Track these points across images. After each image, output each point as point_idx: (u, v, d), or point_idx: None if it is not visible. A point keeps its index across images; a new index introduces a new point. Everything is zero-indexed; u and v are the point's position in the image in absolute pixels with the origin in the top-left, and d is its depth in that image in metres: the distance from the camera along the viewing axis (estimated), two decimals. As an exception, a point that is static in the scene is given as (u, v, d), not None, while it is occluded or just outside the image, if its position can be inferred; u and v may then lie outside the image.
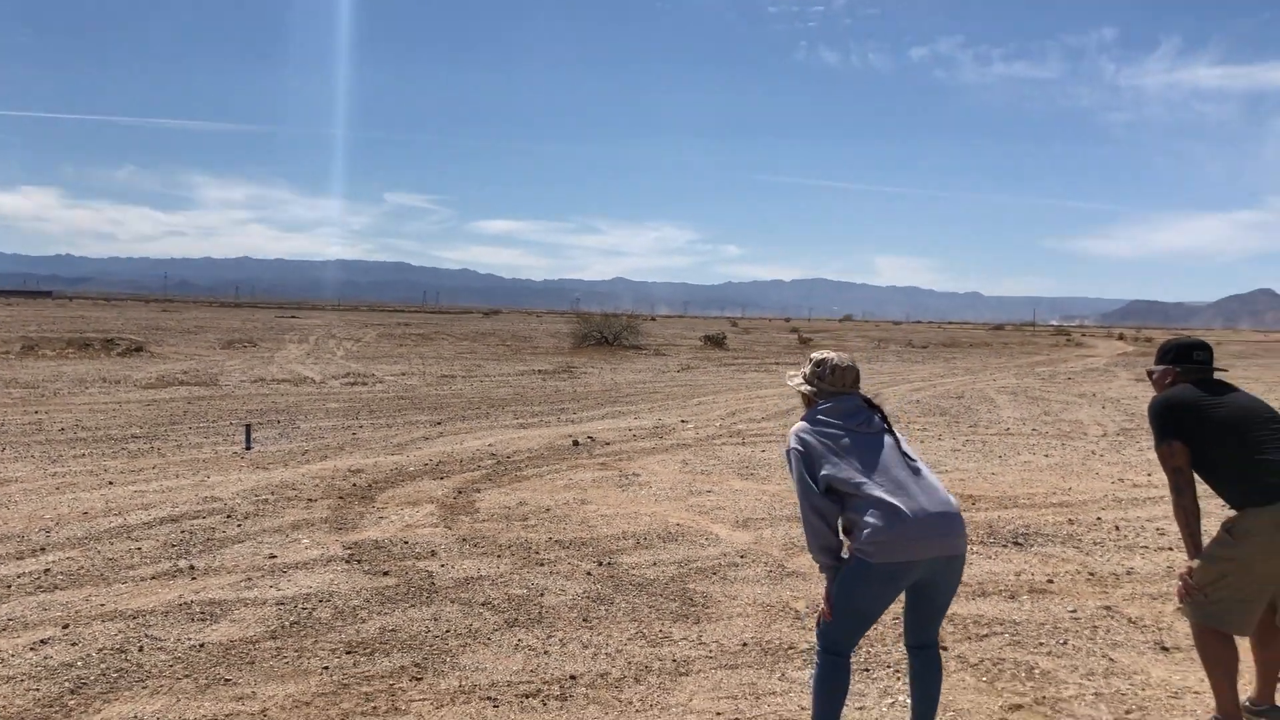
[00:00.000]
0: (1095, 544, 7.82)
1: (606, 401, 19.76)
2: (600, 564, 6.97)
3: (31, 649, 5.11)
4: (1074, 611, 6.07)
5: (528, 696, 4.65)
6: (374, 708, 4.49)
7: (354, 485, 9.75)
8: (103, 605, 5.86)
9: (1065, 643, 5.50)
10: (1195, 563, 4.26)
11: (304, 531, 7.78)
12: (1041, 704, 4.65)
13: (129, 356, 29.95)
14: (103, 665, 4.91)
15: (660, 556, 7.21)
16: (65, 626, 5.46)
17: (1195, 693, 4.73)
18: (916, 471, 3.79)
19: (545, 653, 5.24)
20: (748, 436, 14.24)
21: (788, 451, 3.87)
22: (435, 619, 5.74)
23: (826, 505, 3.72)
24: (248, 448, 12.14)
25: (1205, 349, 4.62)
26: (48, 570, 6.57)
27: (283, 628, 5.53)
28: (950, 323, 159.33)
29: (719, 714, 4.48)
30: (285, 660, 5.05)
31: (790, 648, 5.36)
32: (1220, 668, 4.28)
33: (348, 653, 5.18)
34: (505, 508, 8.81)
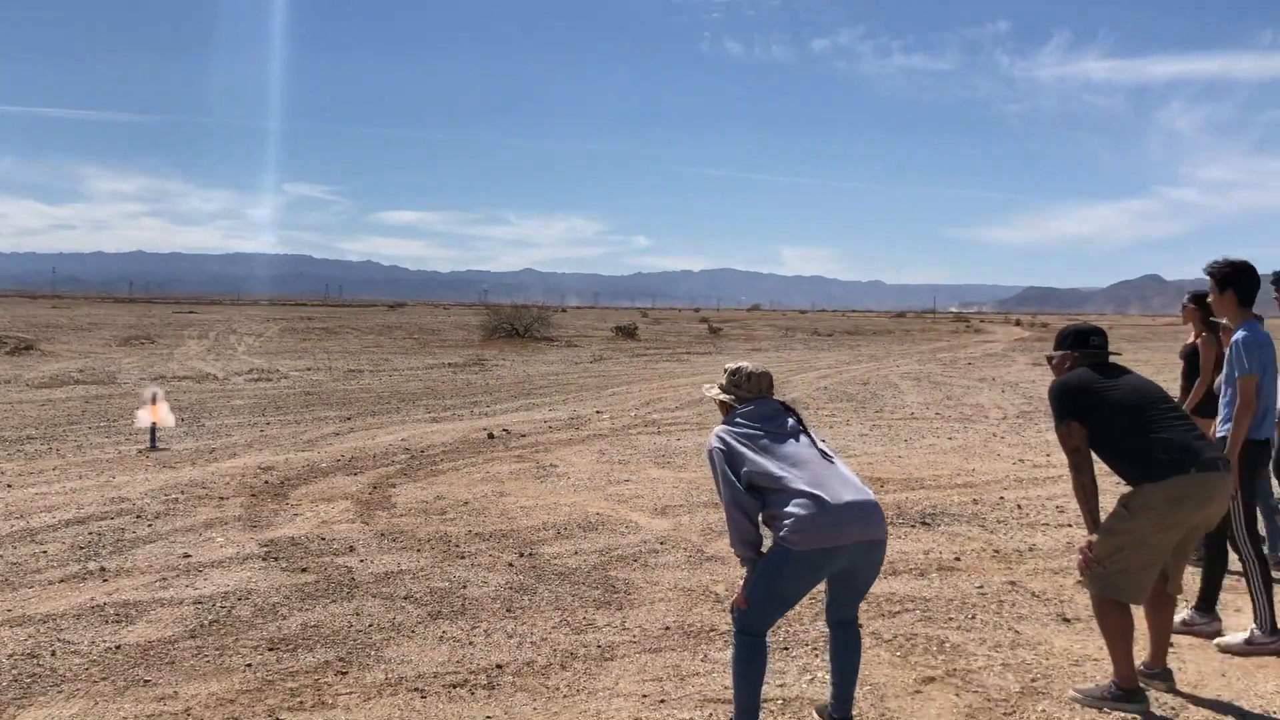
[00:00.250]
0: (999, 522, 8.13)
1: (520, 394, 19.73)
2: (521, 555, 7.01)
3: (-63, 657, 4.96)
4: (981, 587, 6.32)
5: (455, 687, 4.69)
6: (300, 703, 4.48)
7: (266, 483, 9.60)
8: (9, 611, 5.69)
9: (973, 617, 5.74)
10: (1094, 537, 4.50)
11: (217, 530, 7.65)
12: (953, 676, 4.86)
13: (18, 355, 28.80)
14: (14, 671, 4.79)
15: (581, 546, 7.29)
16: (-29, 633, 5.30)
17: (1095, 660, 4.99)
18: (833, 465, 3.97)
19: (470, 643, 5.28)
20: (663, 425, 14.38)
21: (710, 451, 4.00)
22: (357, 614, 5.72)
23: (749, 501, 3.86)
24: (152, 447, 11.84)
25: (1101, 334, 4.86)
26: (-52, 577, 6.36)
27: (201, 627, 5.46)
28: (854, 311, 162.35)
29: (645, 696, 4.58)
30: (206, 659, 4.99)
31: (712, 630, 5.49)
32: (1118, 635, 4.53)
33: (270, 649, 5.14)
34: (422, 502, 8.78)
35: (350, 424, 14.64)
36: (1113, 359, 4.81)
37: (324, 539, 7.38)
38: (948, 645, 5.28)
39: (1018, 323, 79.87)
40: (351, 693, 4.60)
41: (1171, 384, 6.70)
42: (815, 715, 4.31)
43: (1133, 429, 4.48)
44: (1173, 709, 4.52)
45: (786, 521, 3.76)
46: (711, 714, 4.36)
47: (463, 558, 6.94)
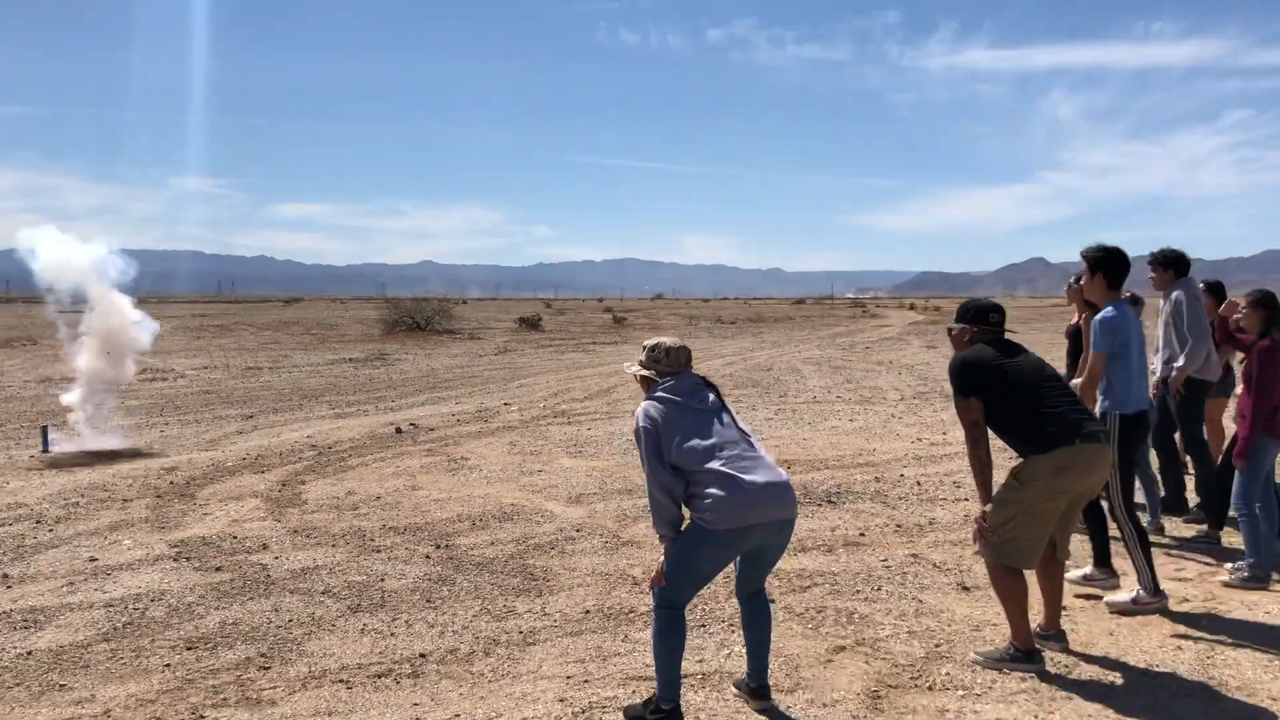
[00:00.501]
0: (900, 499, 8.45)
1: (425, 388, 19.59)
2: (438, 547, 7.05)
3: None
4: (885, 561, 6.59)
5: (380, 677, 4.73)
6: (224, 699, 4.48)
7: (170, 483, 9.42)
8: (-91, 621, 5.54)
9: (879, 589, 5.99)
10: (988, 507, 4.76)
11: (123, 532, 7.50)
12: (862, 644, 5.08)
13: (-108, 360, 27.48)
14: (-77, 681, 4.68)
15: (498, 536, 7.36)
16: None
17: (994, 624, 5.27)
18: (750, 445, 4.16)
19: (392, 635, 5.32)
20: (573, 416, 14.48)
21: (637, 430, 4.13)
22: (276, 610, 5.71)
23: (673, 482, 4.03)
24: (45, 450, 11.49)
25: (1000, 311, 5.12)
26: None
27: (115, 629, 5.39)
28: (755, 298, 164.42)
29: (569, 677, 4.70)
30: (122, 661, 4.94)
31: (631, 612, 5.63)
32: (1013, 599, 4.81)
33: (188, 649, 5.11)
34: (334, 498, 8.73)
35: (253, 422, 14.40)
36: (1009, 337, 5.08)
37: (236, 537, 7.31)
38: (856, 616, 5.51)
39: (911, 306, 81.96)
40: (276, 687, 4.62)
41: (1058, 362, 7.07)
42: (734, 689, 4.47)
43: (1025, 404, 4.75)
44: (1066, 666, 4.82)
45: (706, 502, 3.94)
46: (634, 690, 4.49)
47: (379, 551, 6.95)
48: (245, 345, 35.02)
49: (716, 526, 3.96)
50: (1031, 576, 4.99)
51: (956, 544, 6.95)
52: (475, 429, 13.10)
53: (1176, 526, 7.31)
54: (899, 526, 7.50)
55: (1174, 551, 6.75)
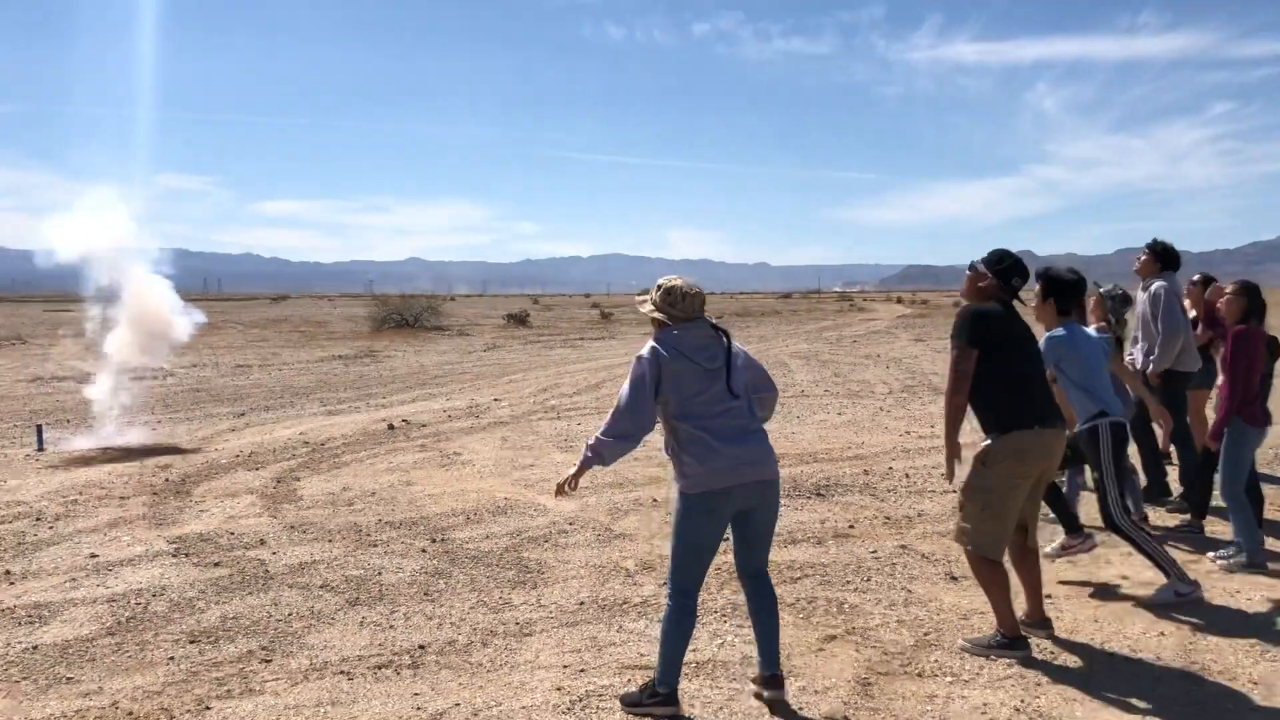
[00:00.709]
0: (889, 491, 8.57)
1: (415, 384, 19.64)
2: (434, 541, 7.14)
3: None
4: (874, 552, 6.71)
5: (380, 668, 4.83)
6: (228, 690, 4.57)
7: (166, 480, 9.48)
8: (-87, 618, 5.60)
9: (869, 579, 6.11)
10: (980, 447, 4.86)
11: (122, 529, 7.57)
12: (852, 633, 5.20)
13: (-122, 360, 27.37)
14: (-70, 676, 4.76)
15: (492, 530, 7.45)
16: (-124, 642, 5.21)
17: (981, 613, 5.38)
18: (739, 410, 4.18)
19: (391, 627, 5.41)
20: (563, 411, 14.56)
21: (639, 359, 4.17)
22: (275, 604, 5.80)
23: (645, 416, 4.12)
24: (40, 449, 11.53)
25: (1023, 278, 5.07)
26: None
27: (119, 624, 5.47)
28: (742, 293, 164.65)
29: (565, 666, 4.80)
30: (127, 654, 5.02)
31: (624, 603, 5.73)
32: (995, 588, 4.93)
33: (191, 642, 5.19)
34: (329, 494, 8.81)
35: (244, 419, 14.44)
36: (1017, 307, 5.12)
37: (233, 533, 7.38)
38: (846, 606, 5.63)
39: (899, 300, 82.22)
40: (278, 679, 4.71)
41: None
42: (751, 682, 4.49)
43: (1005, 378, 4.86)
44: (1052, 653, 4.94)
45: (683, 466, 4.09)
46: (630, 679, 4.60)
47: (375, 546, 7.03)
48: (233, 343, 34.98)
49: (692, 490, 4.10)
50: (1012, 570, 5.12)
51: (945, 535, 7.07)
52: (467, 425, 13.18)
53: (1160, 516, 7.45)
54: (888, 518, 7.62)
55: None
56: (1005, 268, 4.99)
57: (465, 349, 30.78)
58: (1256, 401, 6.22)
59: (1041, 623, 5.19)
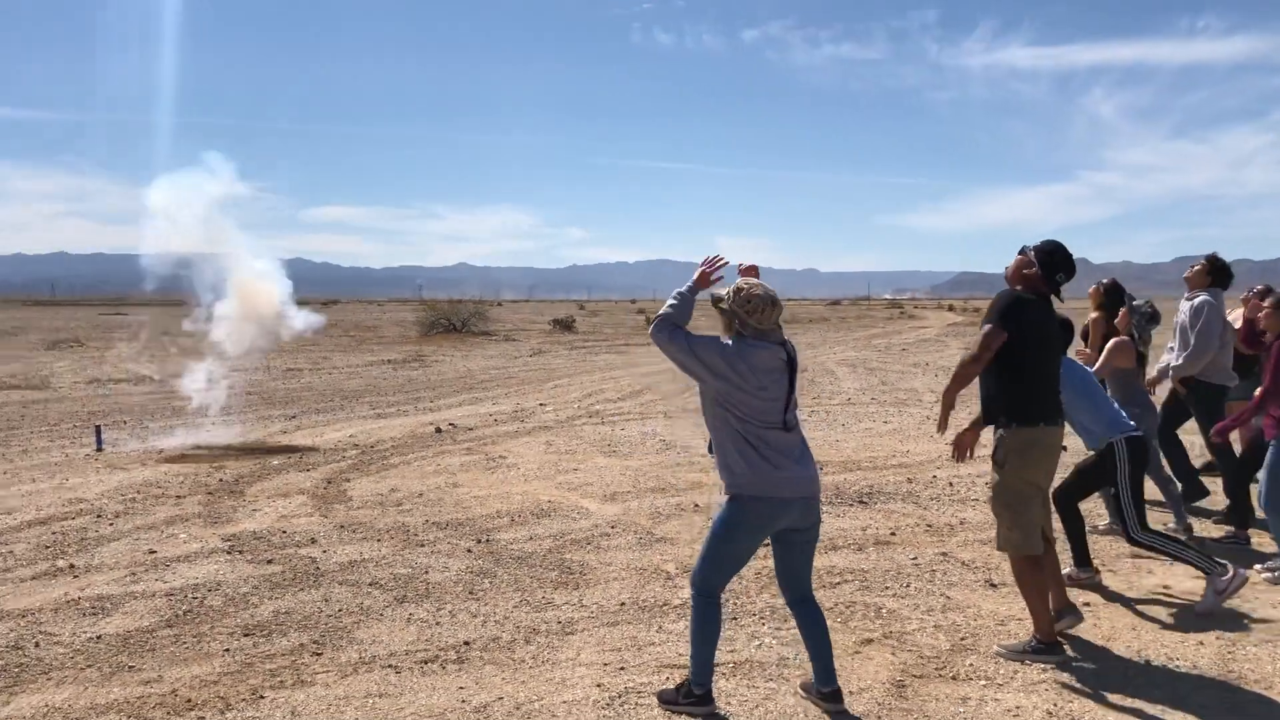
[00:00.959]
0: (932, 499, 8.60)
1: (463, 388, 19.89)
2: (479, 541, 7.30)
3: (-82, 653, 5.13)
4: (915, 559, 6.75)
5: (426, 663, 4.98)
6: (280, 681, 4.74)
7: (220, 480, 9.75)
8: (-15, 608, 5.86)
9: (908, 585, 6.16)
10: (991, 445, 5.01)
11: (179, 527, 7.82)
12: (889, 637, 5.27)
13: (-55, 361, 28.21)
14: (1, 662, 4.99)
15: (536, 531, 7.59)
16: (-51, 630, 5.46)
17: (1018, 619, 5.42)
18: (790, 428, 4.20)
19: (437, 624, 5.57)
20: (606, 416, 14.71)
21: (709, 337, 4.15)
22: (326, 600, 5.98)
23: (697, 356, 4.06)
24: (99, 449, 11.88)
25: (1070, 274, 5.09)
26: (-86, 578, 6.47)
27: (176, 616, 5.68)
28: (790, 299, 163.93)
29: (606, 664, 4.92)
30: (185, 645, 5.22)
31: (665, 604, 5.84)
32: (1036, 591, 5.00)
33: (245, 635, 5.38)
34: (378, 495, 9.01)
35: (295, 422, 14.75)
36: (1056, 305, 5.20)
37: (285, 532, 7.60)
38: (884, 611, 5.69)
39: (950, 308, 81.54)
40: (328, 671, 4.87)
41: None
42: (801, 692, 4.51)
43: (1023, 371, 4.93)
44: (1088, 659, 4.98)
45: (734, 469, 4.10)
46: (668, 678, 4.70)
47: (422, 545, 7.20)
48: (284, 347, 35.52)
49: (746, 492, 4.09)
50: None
51: (986, 543, 7.09)
52: (512, 429, 13.37)
53: (1205, 528, 7.41)
54: (930, 526, 7.65)
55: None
56: (1051, 265, 5.02)
57: (511, 354, 31.06)
58: None
59: (1069, 609, 5.27)
